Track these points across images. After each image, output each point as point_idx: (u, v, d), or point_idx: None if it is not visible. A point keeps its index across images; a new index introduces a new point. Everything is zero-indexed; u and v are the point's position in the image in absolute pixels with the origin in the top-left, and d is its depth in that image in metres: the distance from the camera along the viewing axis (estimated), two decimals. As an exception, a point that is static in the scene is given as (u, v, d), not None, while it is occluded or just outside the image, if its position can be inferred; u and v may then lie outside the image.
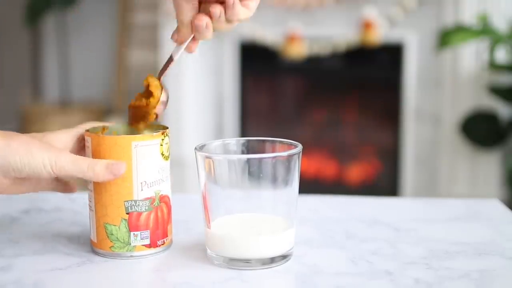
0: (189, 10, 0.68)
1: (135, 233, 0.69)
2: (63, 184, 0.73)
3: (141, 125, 0.71)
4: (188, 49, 0.71)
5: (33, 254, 0.70)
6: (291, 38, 2.70)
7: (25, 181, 0.69)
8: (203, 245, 0.71)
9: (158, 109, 0.70)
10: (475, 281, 0.63)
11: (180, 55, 0.71)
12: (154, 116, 0.70)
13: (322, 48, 2.71)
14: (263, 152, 0.70)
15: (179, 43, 0.70)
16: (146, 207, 0.69)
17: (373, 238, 0.75)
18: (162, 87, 0.71)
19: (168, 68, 0.71)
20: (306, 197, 0.90)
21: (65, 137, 0.72)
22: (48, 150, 0.67)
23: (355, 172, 2.88)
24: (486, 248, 0.72)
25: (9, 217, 0.83)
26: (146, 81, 0.71)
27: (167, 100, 0.71)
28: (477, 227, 0.80)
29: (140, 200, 0.68)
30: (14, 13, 3.49)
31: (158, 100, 0.70)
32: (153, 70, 2.74)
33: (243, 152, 0.71)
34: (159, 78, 0.71)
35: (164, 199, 0.70)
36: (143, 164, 0.68)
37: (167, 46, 2.83)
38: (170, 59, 0.71)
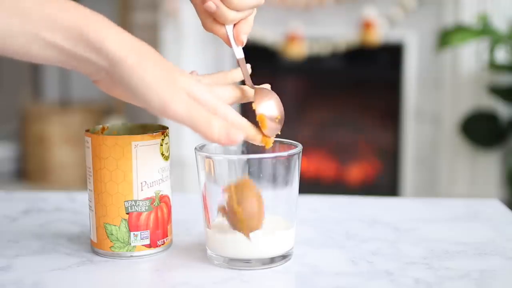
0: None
1: (135, 233, 0.69)
2: None
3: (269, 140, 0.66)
4: (238, 42, 0.68)
5: (33, 254, 0.70)
6: (291, 38, 2.70)
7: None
8: (203, 245, 0.71)
9: (269, 125, 0.65)
10: (475, 281, 0.63)
11: (239, 51, 0.68)
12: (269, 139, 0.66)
13: (322, 48, 2.71)
14: (263, 152, 0.70)
15: (226, 41, 0.68)
16: (146, 207, 0.69)
17: (373, 238, 0.75)
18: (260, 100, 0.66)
19: (245, 68, 0.68)
20: (306, 197, 0.90)
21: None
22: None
23: (355, 172, 2.88)
24: (486, 248, 0.72)
25: (9, 217, 0.83)
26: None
27: (279, 111, 0.66)
28: (477, 227, 0.80)
29: (140, 200, 0.68)
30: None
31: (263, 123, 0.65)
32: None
33: (243, 152, 0.71)
34: (249, 85, 0.67)
35: (164, 199, 0.70)
36: (143, 164, 0.68)
37: (167, 46, 2.83)
38: (240, 61, 0.68)
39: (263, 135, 0.65)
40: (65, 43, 0.59)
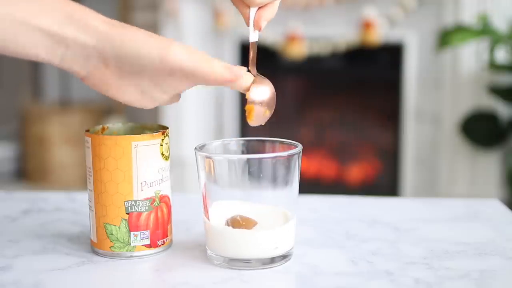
0: None
1: (135, 233, 0.69)
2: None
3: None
4: (256, 27, 0.68)
5: (33, 254, 0.70)
6: (291, 38, 2.70)
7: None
8: (203, 245, 0.71)
9: (257, 111, 0.66)
10: (475, 281, 0.63)
11: (255, 35, 0.68)
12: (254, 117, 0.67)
13: (322, 48, 2.71)
14: (263, 152, 0.70)
15: (246, 21, 0.68)
16: (146, 207, 0.69)
17: (373, 238, 0.75)
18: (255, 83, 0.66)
19: (255, 54, 0.68)
20: (306, 197, 0.90)
21: None
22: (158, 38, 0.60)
23: (355, 172, 2.88)
24: (486, 248, 0.72)
25: (9, 217, 0.83)
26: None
27: (269, 97, 0.67)
28: (477, 227, 0.80)
29: (140, 200, 0.68)
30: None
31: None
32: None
33: (243, 152, 0.71)
34: (249, 71, 0.67)
35: (164, 199, 0.70)
36: (143, 164, 0.68)
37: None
38: (252, 44, 0.68)
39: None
40: (53, 26, 0.58)
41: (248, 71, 0.67)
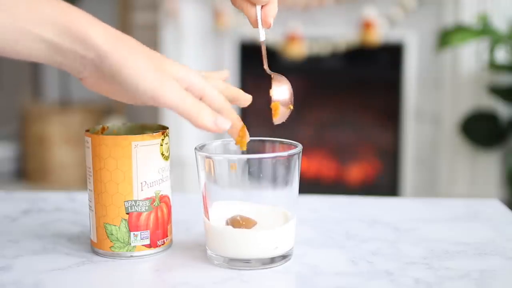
0: None
1: (135, 233, 0.69)
2: None
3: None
4: (265, 24, 0.69)
5: (33, 254, 0.70)
6: (291, 38, 2.70)
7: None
8: (203, 245, 0.71)
9: (281, 109, 0.68)
10: (475, 281, 0.63)
11: (263, 33, 0.69)
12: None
13: (322, 48, 2.71)
14: (263, 152, 0.70)
15: (253, 23, 0.68)
16: (146, 207, 0.69)
17: (373, 238, 0.75)
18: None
19: (265, 53, 0.69)
20: (306, 197, 0.90)
21: None
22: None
23: (355, 172, 2.88)
24: (486, 248, 0.72)
25: (9, 217, 0.83)
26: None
27: (290, 94, 0.69)
28: (477, 227, 0.80)
29: (140, 200, 0.68)
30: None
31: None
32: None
33: (243, 152, 0.71)
34: (266, 70, 0.69)
35: (164, 199, 0.70)
36: (143, 164, 0.68)
37: (167, 46, 2.83)
38: (262, 43, 0.69)
39: (240, 136, 0.66)
40: (53, 36, 0.59)
41: (263, 69, 0.70)
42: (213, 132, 0.63)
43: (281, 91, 0.69)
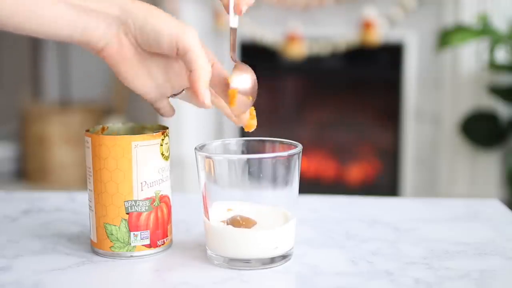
0: None
1: (135, 233, 0.69)
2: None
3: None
4: (237, 11, 0.68)
5: (33, 254, 0.70)
6: (291, 38, 2.70)
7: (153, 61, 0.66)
8: (203, 245, 0.71)
9: (240, 98, 0.66)
10: (475, 281, 0.63)
11: (235, 20, 0.68)
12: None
13: (322, 48, 2.71)
14: (263, 152, 0.70)
15: (225, 7, 0.68)
16: (146, 207, 0.69)
17: (373, 238, 0.75)
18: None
19: (235, 40, 0.68)
20: (306, 197, 0.90)
21: None
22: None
23: (355, 172, 2.88)
24: (486, 248, 0.72)
25: (9, 217, 0.83)
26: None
27: (251, 85, 0.67)
28: (477, 227, 0.80)
29: (140, 200, 0.68)
30: (14, 13, 3.48)
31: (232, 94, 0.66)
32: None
33: (243, 152, 0.71)
34: (232, 57, 0.68)
35: (164, 199, 0.70)
36: (143, 164, 0.68)
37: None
38: (232, 30, 0.68)
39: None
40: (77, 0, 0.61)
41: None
42: (202, 104, 0.64)
43: (241, 80, 0.66)
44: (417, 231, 0.78)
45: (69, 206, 0.88)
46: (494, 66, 2.26)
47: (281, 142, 0.70)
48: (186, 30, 0.63)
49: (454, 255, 0.70)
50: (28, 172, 3.44)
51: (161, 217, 0.70)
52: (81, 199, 0.90)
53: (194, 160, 0.68)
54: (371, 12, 2.60)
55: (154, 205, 0.69)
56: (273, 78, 3.02)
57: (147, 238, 0.69)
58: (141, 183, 0.68)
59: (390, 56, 2.69)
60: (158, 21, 0.63)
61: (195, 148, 0.68)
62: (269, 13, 2.71)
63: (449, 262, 0.68)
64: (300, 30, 2.71)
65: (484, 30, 2.22)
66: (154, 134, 0.69)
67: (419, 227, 0.79)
